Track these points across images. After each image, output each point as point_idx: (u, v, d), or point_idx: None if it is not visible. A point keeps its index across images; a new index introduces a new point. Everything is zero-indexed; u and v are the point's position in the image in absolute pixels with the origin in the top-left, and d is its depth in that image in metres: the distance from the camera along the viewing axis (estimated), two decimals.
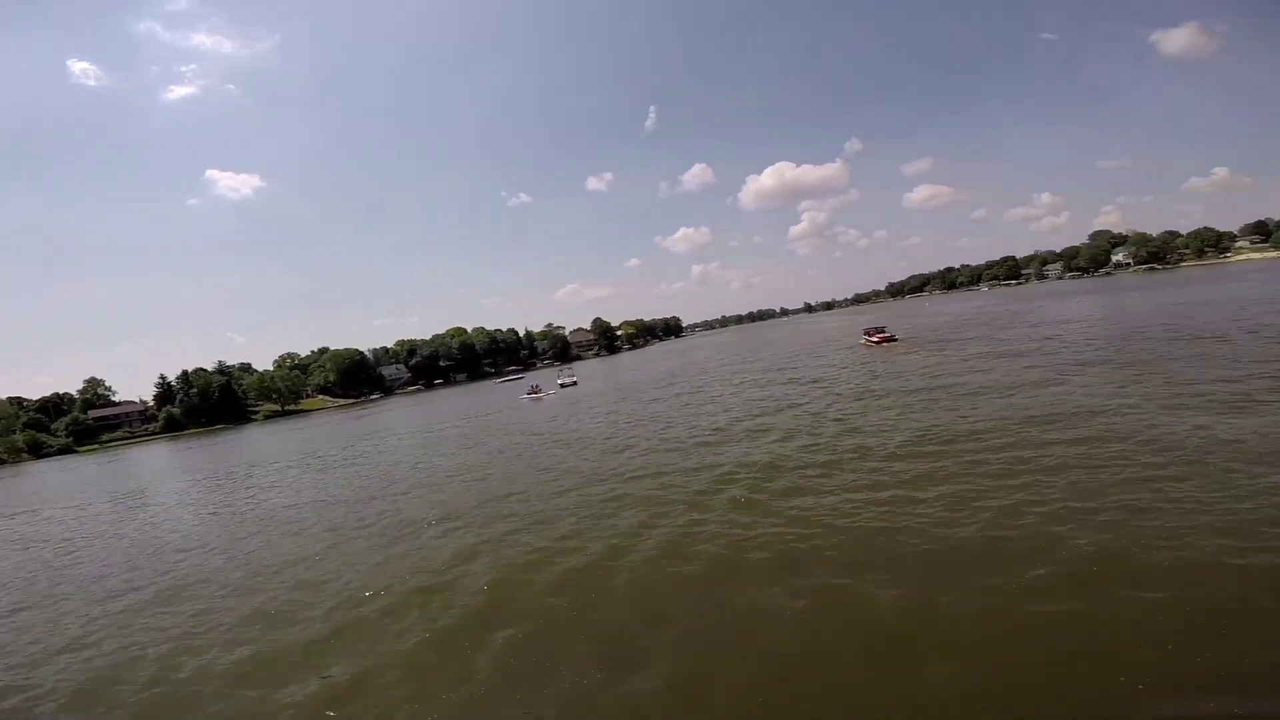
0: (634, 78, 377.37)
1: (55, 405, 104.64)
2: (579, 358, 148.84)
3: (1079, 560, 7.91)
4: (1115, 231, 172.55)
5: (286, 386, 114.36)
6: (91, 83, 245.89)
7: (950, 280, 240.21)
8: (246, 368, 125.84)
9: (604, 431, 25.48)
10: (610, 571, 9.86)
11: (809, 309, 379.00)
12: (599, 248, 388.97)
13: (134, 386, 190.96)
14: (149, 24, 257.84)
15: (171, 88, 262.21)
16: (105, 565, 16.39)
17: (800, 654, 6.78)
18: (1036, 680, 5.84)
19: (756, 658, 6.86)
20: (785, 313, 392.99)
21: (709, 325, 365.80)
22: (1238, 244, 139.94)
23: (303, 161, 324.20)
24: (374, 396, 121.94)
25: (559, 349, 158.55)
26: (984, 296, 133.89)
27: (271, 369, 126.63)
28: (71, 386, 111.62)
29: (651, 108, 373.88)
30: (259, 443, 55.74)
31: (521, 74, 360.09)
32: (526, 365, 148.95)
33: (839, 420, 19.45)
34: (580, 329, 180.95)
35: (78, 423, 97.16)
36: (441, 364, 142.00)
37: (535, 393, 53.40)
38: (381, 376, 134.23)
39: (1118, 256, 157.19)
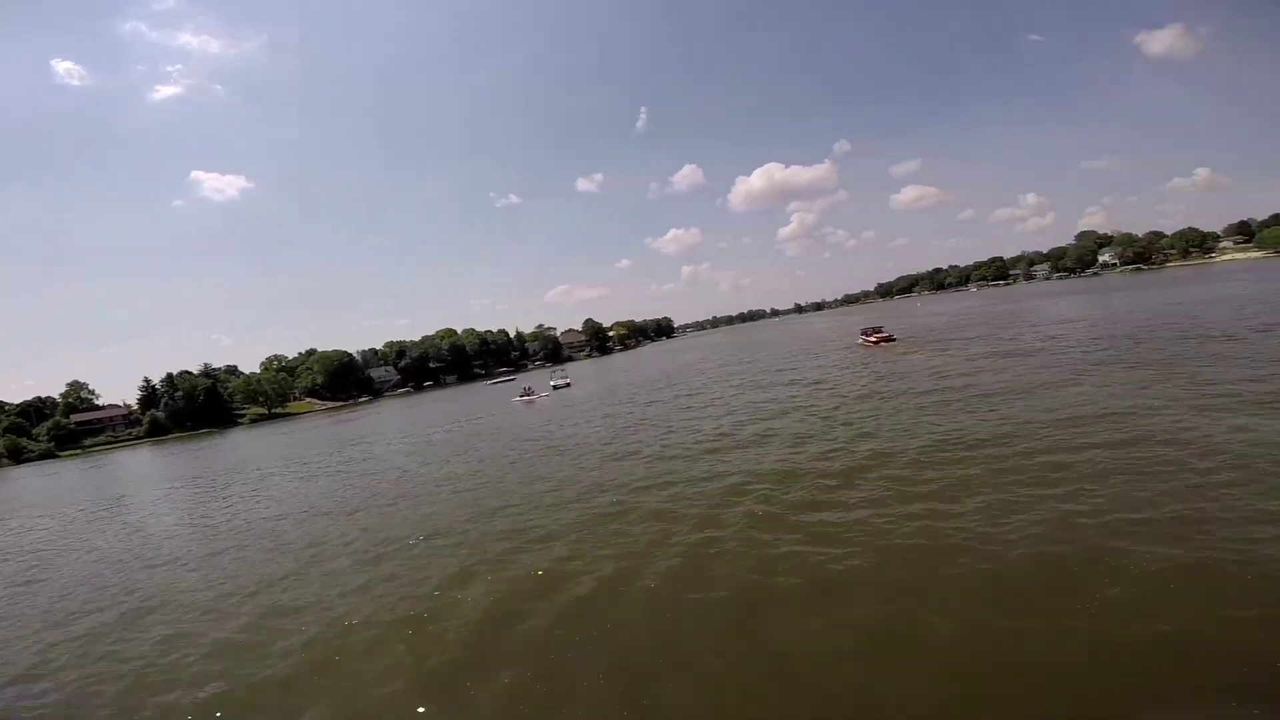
0: (624, 78, 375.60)
1: (37, 409, 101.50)
2: (571, 359, 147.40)
3: (1151, 578, 7.16)
4: (1100, 232, 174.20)
5: (273, 389, 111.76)
6: (76, 83, 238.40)
7: (939, 281, 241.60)
8: (233, 370, 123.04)
9: (602, 436, 24.51)
10: (622, 600, 8.86)
11: (799, 310, 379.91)
12: (590, 249, 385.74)
13: (119, 390, 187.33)
14: (135, 23, 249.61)
15: (157, 88, 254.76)
16: (71, 582, 15.49)
17: (855, 702, 5.87)
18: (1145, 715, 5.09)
19: (803, 706, 5.94)
20: (776, 313, 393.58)
21: (700, 326, 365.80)
22: (1221, 244, 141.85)
23: (290, 162, 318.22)
24: (362, 399, 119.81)
25: (550, 350, 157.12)
26: (974, 297, 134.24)
27: (258, 371, 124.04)
28: (54, 390, 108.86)
29: (642, 109, 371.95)
30: (243, 447, 54.18)
31: (511, 75, 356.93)
32: (518, 366, 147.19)
33: (849, 424, 18.62)
34: (572, 330, 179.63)
35: (59, 427, 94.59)
36: (431, 366, 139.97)
37: (528, 395, 52.22)
38: (370, 379, 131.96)
39: (1104, 257, 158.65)
